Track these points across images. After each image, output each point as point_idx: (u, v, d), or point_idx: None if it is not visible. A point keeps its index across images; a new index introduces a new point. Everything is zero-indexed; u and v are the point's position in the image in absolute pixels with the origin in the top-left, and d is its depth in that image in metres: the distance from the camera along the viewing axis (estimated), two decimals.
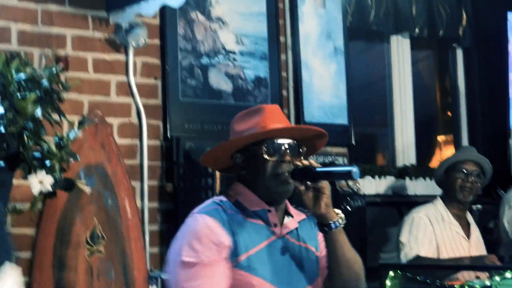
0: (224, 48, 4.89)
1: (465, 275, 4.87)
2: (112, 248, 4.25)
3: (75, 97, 4.24)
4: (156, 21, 4.64)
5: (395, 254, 5.14)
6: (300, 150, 2.89)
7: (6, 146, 3.17)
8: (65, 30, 4.28)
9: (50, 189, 3.27)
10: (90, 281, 4.16)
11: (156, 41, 4.64)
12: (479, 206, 5.88)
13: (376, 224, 5.74)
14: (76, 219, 4.15)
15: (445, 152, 6.53)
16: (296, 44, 5.27)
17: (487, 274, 4.65)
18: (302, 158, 2.86)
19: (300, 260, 2.91)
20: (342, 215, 2.85)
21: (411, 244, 4.97)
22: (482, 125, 6.57)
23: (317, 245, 2.97)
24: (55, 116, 3.35)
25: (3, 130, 3.15)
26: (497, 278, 4.40)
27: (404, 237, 5.01)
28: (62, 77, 3.42)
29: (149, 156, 4.51)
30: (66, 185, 3.39)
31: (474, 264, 4.92)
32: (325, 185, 2.79)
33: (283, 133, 2.88)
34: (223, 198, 2.95)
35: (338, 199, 4.95)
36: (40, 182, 3.25)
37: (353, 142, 5.49)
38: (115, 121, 4.43)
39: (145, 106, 4.51)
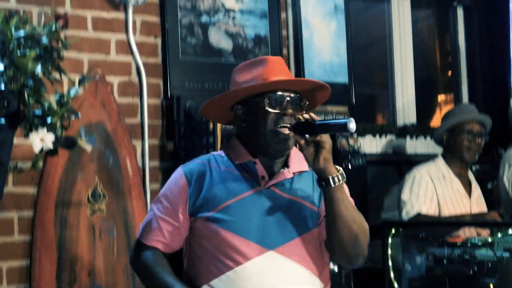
0: (224, 6, 4.86)
1: (466, 232, 4.88)
2: (113, 207, 4.25)
3: (74, 56, 4.22)
4: None
5: (396, 212, 5.15)
6: (302, 103, 2.87)
7: (6, 104, 3.15)
8: None
9: (51, 146, 3.25)
10: (92, 239, 4.17)
11: None
12: (477, 166, 5.89)
13: (376, 182, 5.76)
14: (77, 178, 4.16)
15: (445, 111, 6.52)
16: (296, 2, 5.23)
17: (488, 231, 4.65)
18: (303, 112, 2.83)
19: (284, 213, 2.84)
20: (343, 172, 2.79)
21: (412, 202, 4.98)
22: (483, 84, 6.55)
23: (314, 200, 2.90)
24: (55, 74, 3.33)
25: (3, 88, 3.13)
26: (498, 234, 4.41)
27: (405, 195, 5.02)
28: (62, 35, 3.40)
29: (149, 114, 4.49)
30: (67, 143, 3.37)
31: (475, 221, 4.93)
32: (325, 139, 2.74)
33: (286, 85, 2.85)
34: (222, 153, 2.96)
35: (339, 158, 4.97)
36: (41, 140, 3.23)
37: (354, 101, 5.48)
38: (115, 80, 4.41)
39: (145, 65, 4.49)
